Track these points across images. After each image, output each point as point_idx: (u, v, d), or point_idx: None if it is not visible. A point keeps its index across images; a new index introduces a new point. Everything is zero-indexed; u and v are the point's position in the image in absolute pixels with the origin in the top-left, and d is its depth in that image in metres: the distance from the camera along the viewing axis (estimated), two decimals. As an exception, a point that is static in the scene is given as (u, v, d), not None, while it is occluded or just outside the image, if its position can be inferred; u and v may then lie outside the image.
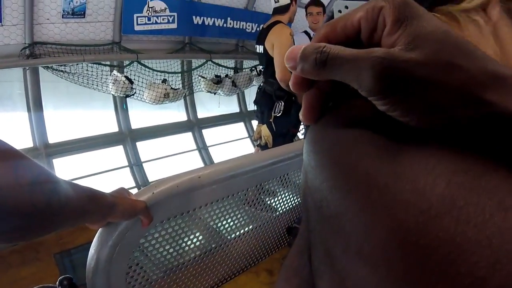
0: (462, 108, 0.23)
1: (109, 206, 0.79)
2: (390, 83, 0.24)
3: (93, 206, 0.73)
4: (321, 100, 0.32)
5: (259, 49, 3.37)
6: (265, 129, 3.36)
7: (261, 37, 3.32)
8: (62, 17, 3.69)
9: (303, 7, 3.81)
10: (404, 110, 0.25)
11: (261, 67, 3.49)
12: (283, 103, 3.25)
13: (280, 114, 3.27)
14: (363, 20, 0.27)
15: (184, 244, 1.21)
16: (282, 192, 1.51)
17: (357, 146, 0.29)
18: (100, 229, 0.91)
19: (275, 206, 1.51)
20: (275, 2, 3.30)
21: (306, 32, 3.80)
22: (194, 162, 5.23)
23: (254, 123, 6.27)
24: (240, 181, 1.22)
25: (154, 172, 4.68)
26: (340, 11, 1.36)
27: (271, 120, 3.30)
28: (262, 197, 1.39)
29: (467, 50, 0.24)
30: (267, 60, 3.27)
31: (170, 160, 5.01)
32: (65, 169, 4.08)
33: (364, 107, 0.29)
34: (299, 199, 1.63)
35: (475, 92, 0.22)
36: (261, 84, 3.55)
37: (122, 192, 0.88)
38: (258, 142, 3.51)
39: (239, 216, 1.35)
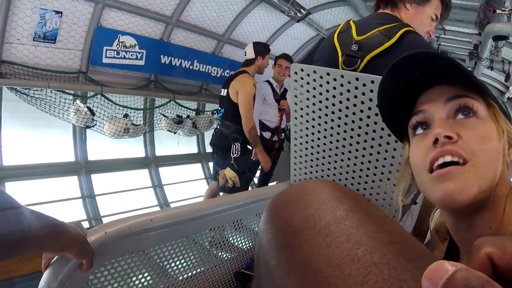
0: None
1: (69, 241, 0.79)
2: None
3: (53, 238, 0.74)
4: None
5: (224, 92, 3.61)
6: (229, 171, 3.48)
7: (227, 82, 3.59)
8: (33, 40, 3.71)
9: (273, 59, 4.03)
10: None
11: (220, 109, 3.72)
12: (239, 145, 3.47)
13: (237, 155, 3.47)
14: None
15: (132, 284, 1.23)
16: (231, 237, 1.57)
17: (302, 233, 0.35)
18: (51, 262, 0.94)
19: (225, 251, 1.56)
20: (245, 55, 3.69)
21: (268, 82, 3.98)
22: (148, 199, 5.17)
23: (211, 164, 6.31)
24: (191, 226, 1.28)
25: (106, 206, 4.58)
26: (296, 73, 1.52)
27: (232, 162, 3.47)
28: (212, 241, 1.45)
29: None
30: (228, 104, 3.52)
31: (124, 195, 4.92)
32: (17, 194, 3.93)
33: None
34: (247, 245, 1.69)
35: None
36: (218, 127, 3.76)
37: (80, 227, 0.90)
38: (226, 186, 3.56)
39: (191, 257, 1.39)
